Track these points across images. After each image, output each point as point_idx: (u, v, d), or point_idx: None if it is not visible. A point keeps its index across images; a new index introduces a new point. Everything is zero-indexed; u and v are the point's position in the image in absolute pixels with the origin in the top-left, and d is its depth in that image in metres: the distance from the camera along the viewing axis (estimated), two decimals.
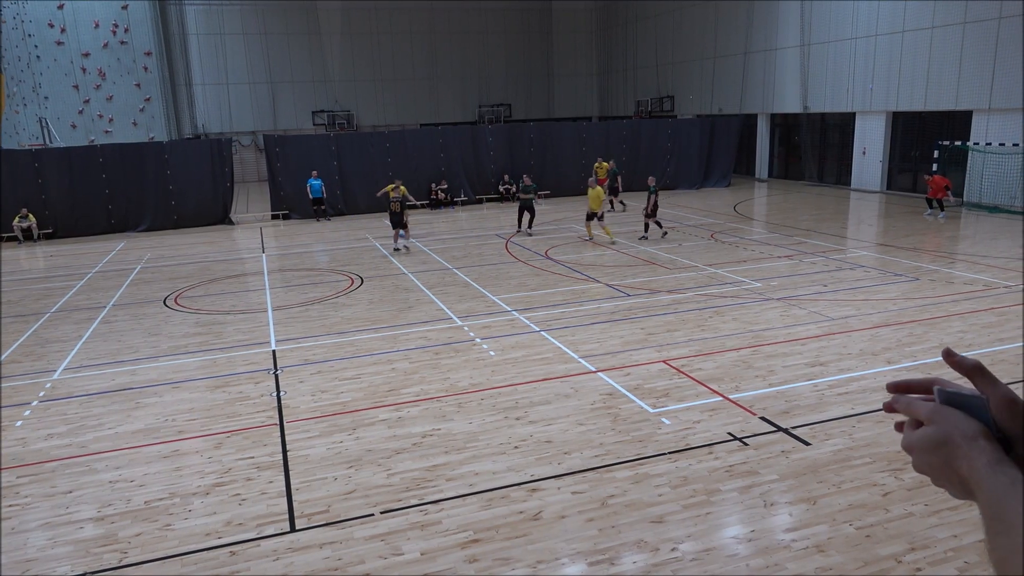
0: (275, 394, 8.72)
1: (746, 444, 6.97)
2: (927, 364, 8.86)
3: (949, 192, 19.49)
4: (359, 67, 41.08)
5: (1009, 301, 11.43)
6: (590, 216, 17.65)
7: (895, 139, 25.38)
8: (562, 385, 8.63)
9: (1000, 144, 20.39)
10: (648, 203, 17.42)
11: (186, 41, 37.81)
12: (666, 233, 17.91)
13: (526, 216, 19.41)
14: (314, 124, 40.15)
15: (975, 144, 21.20)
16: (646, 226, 17.71)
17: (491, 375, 9.05)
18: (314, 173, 23.37)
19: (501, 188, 26.52)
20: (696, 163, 28.42)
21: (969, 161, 21.58)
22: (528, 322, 11.25)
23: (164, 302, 13.59)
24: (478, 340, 10.46)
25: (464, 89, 43.33)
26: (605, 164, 23.44)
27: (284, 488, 6.49)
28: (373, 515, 6.00)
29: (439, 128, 27.57)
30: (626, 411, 7.83)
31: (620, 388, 8.46)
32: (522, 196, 19.49)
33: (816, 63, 27.42)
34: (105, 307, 13.39)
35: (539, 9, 44.05)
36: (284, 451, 7.21)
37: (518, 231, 19.52)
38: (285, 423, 7.87)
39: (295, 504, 6.21)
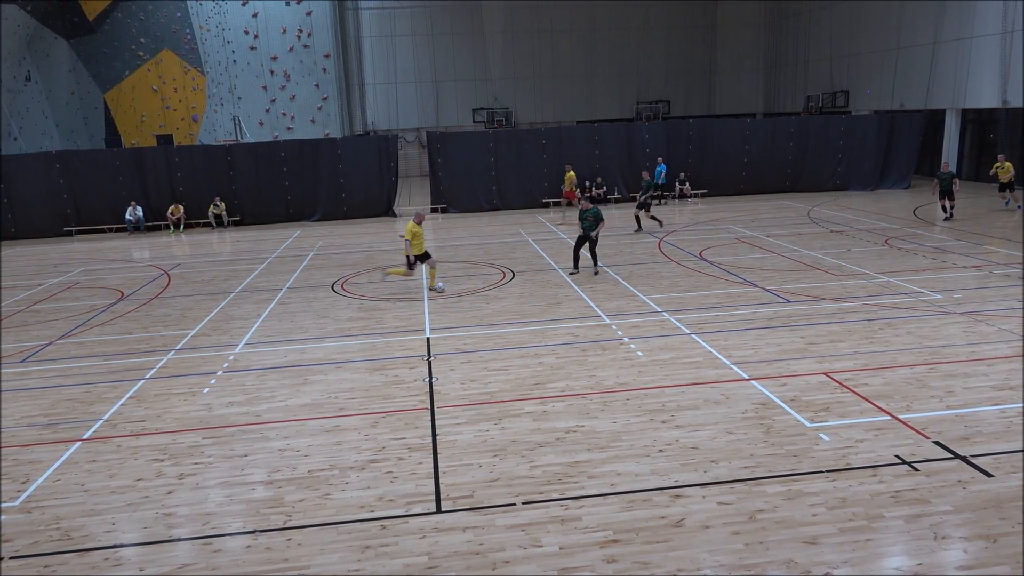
0: (428, 380, 9.10)
1: (916, 469, 6.39)
2: None
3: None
4: (519, 65, 41.88)
5: None
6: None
7: None
8: (712, 391, 8.34)
9: None
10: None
11: (360, 43, 40.34)
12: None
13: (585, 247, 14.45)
14: (474, 121, 41.44)
15: None
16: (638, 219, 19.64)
17: (638, 375, 8.92)
18: (659, 159, 24.37)
19: (679, 187, 25.90)
20: (871, 163, 26.38)
21: None
22: (679, 324, 10.97)
23: (332, 287, 14.58)
24: (626, 339, 10.34)
25: (622, 85, 42.95)
26: (572, 174, 22.72)
27: (432, 470, 6.76)
28: (515, 505, 6.10)
29: (595, 125, 27.50)
30: (780, 423, 7.43)
31: (775, 398, 8.04)
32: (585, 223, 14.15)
33: (1020, 51, 24.50)
34: (281, 289, 14.58)
35: (703, 4, 42.70)
36: (434, 435, 7.52)
37: (573, 271, 14.65)
38: (436, 408, 8.20)
39: (442, 487, 6.46)
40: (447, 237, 20.57)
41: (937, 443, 6.86)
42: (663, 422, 7.58)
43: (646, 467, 6.65)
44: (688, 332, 10.55)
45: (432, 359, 9.90)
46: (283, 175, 24.27)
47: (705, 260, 15.49)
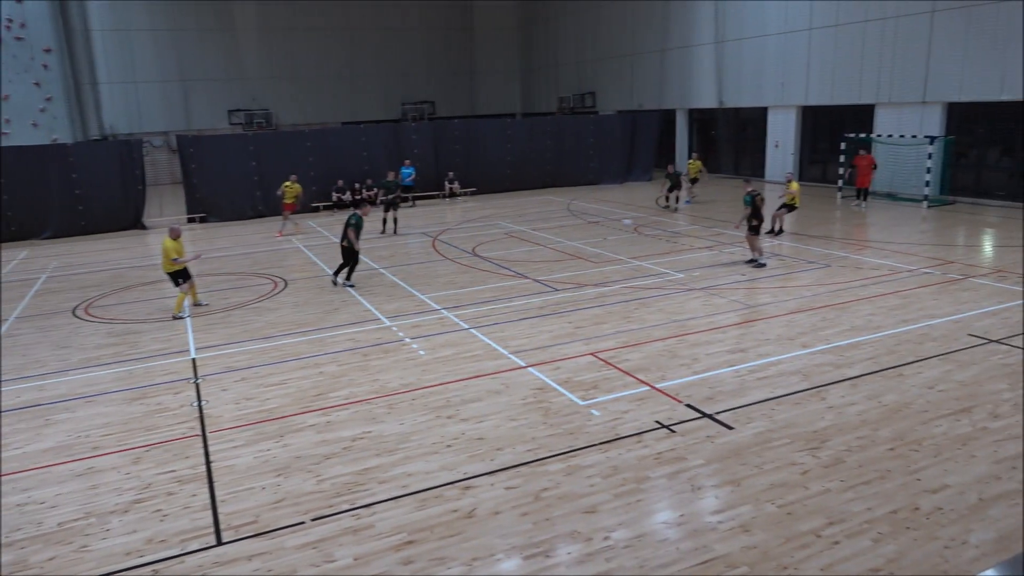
0: (196, 404, 8.42)
1: (673, 431, 7.15)
2: (840, 347, 9.30)
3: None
4: (277, 65, 40.03)
5: (912, 284, 12.11)
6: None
7: (805, 132, 26.51)
8: (492, 382, 8.65)
9: (900, 136, 21.56)
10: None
11: (89, 37, 35.95)
12: None
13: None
14: (231, 123, 38.90)
15: (878, 136, 22.34)
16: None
17: (421, 375, 8.99)
18: (406, 162, 23.22)
19: (448, 186, 26.20)
20: (619, 158, 28.94)
21: (872, 152, 22.74)
22: (458, 320, 11.22)
23: (73, 312, 12.91)
24: (407, 340, 10.37)
25: (386, 86, 42.79)
26: (293, 184, 20.02)
27: (209, 501, 6.27)
28: (304, 523, 5.87)
29: (361, 127, 27.15)
30: (557, 404, 7.91)
31: (550, 382, 8.54)
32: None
33: (730, 59, 28.35)
34: (7, 320, 12.62)
35: (460, 6, 43.90)
36: (208, 462, 6.97)
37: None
38: (208, 433, 7.61)
39: (221, 516, 6.02)
40: (208, 248, 19.12)
41: (688, 405, 7.73)
42: (449, 417, 7.72)
43: (435, 464, 6.73)
44: (467, 327, 10.83)
45: (200, 381, 9.16)
46: (1, 187, 20.94)
47: (478, 256, 15.99)
